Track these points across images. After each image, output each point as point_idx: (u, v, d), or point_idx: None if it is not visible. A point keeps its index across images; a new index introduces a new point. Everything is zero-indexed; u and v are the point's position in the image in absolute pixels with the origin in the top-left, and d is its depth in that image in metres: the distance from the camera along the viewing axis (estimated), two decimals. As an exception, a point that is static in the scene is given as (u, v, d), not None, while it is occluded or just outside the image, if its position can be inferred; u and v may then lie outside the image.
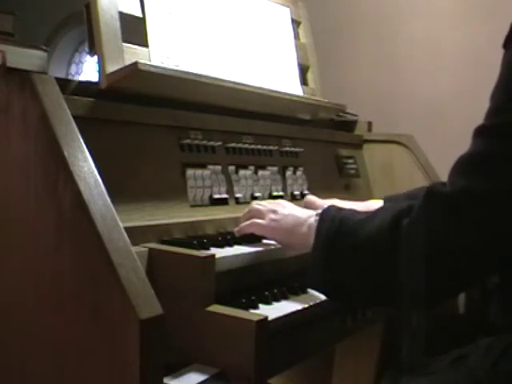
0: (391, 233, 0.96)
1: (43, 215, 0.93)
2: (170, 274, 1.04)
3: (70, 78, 5.07)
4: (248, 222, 1.24)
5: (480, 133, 0.95)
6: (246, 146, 1.49)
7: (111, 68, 1.19)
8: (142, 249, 1.06)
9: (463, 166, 0.95)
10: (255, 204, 1.27)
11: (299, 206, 1.29)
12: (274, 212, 1.21)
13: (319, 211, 1.12)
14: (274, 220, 1.20)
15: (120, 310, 0.81)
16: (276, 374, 1.11)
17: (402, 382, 1.08)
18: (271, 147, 1.57)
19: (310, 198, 1.46)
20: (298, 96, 1.65)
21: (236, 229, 1.27)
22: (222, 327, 0.97)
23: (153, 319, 0.80)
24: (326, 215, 1.08)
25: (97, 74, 1.21)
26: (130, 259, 0.85)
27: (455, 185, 0.92)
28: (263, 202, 1.28)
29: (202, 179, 1.32)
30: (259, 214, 1.24)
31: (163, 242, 1.13)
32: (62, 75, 5.26)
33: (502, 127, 0.91)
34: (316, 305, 1.15)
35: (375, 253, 0.98)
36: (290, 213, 1.19)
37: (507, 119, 0.91)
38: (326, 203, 1.31)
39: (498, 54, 1.00)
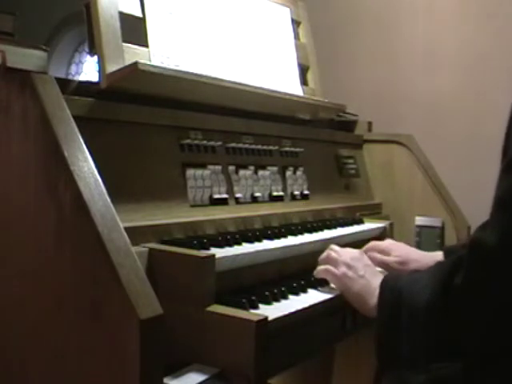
0: (443, 301, 0.94)
1: (43, 215, 0.93)
2: (170, 274, 1.04)
3: (69, 78, 5.07)
4: (323, 267, 1.28)
5: (508, 165, 0.88)
6: (246, 146, 1.48)
7: (111, 68, 1.19)
8: (142, 249, 1.06)
9: (498, 206, 0.87)
10: (333, 251, 1.30)
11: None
12: (349, 267, 1.23)
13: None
14: (347, 276, 1.22)
15: (120, 310, 0.81)
16: (276, 374, 1.11)
17: (401, 382, 1.07)
18: (271, 147, 1.57)
19: (373, 244, 1.50)
20: (298, 96, 1.65)
21: (314, 272, 1.29)
22: (222, 327, 0.97)
23: (153, 319, 0.80)
24: (386, 287, 1.10)
25: (97, 74, 1.21)
26: (130, 259, 0.85)
27: (496, 232, 0.85)
28: (339, 250, 1.31)
29: (202, 179, 1.32)
30: (334, 264, 1.26)
31: (163, 242, 1.13)
32: (61, 75, 5.26)
33: None
34: (316, 305, 1.15)
35: (431, 321, 0.97)
36: (364, 275, 1.21)
37: None
38: (389, 244, 1.45)
39: (498, 54, 1.00)
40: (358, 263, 1.24)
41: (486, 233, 0.87)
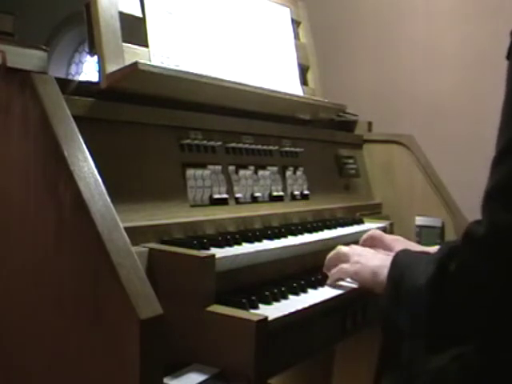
0: (437, 283, 0.98)
1: (43, 215, 0.93)
2: (170, 274, 1.04)
3: (69, 78, 5.07)
4: (335, 270, 1.30)
5: (494, 160, 0.92)
6: (246, 146, 1.48)
7: (111, 68, 1.19)
8: (142, 249, 1.06)
9: (486, 200, 0.92)
10: (343, 247, 1.34)
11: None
12: (359, 255, 1.28)
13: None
14: (358, 262, 1.26)
15: (120, 310, 0.81)
16: (276, 374, 1.11)
17: (401, 382, 1.08)
18: (271, 147, 1.57)
19: (376, 233, 1.50)
20: (298, 96, 1.65)
21: (328, 281, 1.31)
22: (222, 327, 0.97)
23: (153, 319, 0.80)
24: (395, 262, 1.15)
25: (97, 74, 1.21)
26: (130, 259, 0.85)
27: (484, 224, 0.91)
28: (351, 246, 1.35)
29: (202, 179, 1.32)
30: (345, 258, 1.29)
31: (163, 242, 1.13)
32: (61, 75, 5.27)
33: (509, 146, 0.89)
34: (316, 305, 1.15)
35: (424, 303, 1.01)
36: (375, 256, 1.27)
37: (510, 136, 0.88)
38: (393, 240, 1.43)
39: (498, 54, 1.00)
40: (366, 250, 1.31)
41: (477, 225, 0.93)
